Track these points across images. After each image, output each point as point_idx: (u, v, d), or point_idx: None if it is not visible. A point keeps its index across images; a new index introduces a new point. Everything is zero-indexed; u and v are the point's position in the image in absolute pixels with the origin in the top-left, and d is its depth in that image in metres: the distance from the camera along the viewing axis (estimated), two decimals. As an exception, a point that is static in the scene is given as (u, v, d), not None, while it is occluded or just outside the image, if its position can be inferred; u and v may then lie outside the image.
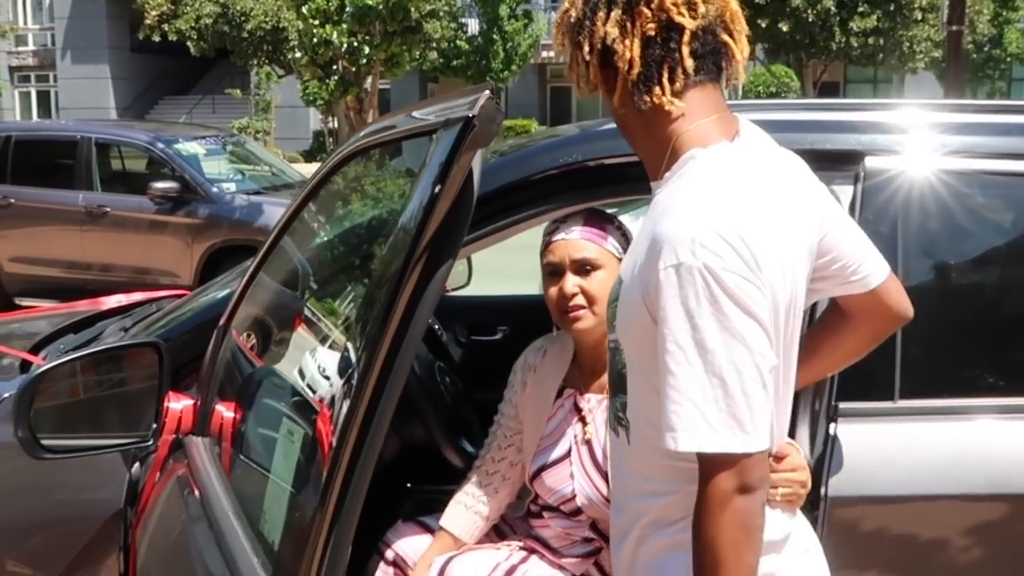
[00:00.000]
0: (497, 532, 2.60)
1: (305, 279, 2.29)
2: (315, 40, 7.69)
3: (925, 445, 2.00)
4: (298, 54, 8.60)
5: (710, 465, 1.45)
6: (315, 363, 1.88)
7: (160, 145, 10.39)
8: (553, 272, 2.34)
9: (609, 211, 2.43)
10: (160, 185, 9.98)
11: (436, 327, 3.66)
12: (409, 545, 2.56)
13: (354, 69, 8.41)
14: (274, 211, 10.03)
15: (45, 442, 1.89)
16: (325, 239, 2.29)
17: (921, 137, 2.16)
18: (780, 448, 1.70)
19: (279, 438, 1.82)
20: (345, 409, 1.42)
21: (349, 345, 1.63)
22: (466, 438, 2.87)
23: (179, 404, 2.06)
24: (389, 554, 2.56)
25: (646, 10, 1.55)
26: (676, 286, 1.44)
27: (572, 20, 1.62)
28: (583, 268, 2.30)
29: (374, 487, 3.07)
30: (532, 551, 2.47)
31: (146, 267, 10.01)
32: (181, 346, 2.15)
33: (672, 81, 1.56)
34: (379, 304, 1.37)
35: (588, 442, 2.38)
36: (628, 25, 1.56)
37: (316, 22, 7.95)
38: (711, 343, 1.43)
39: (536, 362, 2.52)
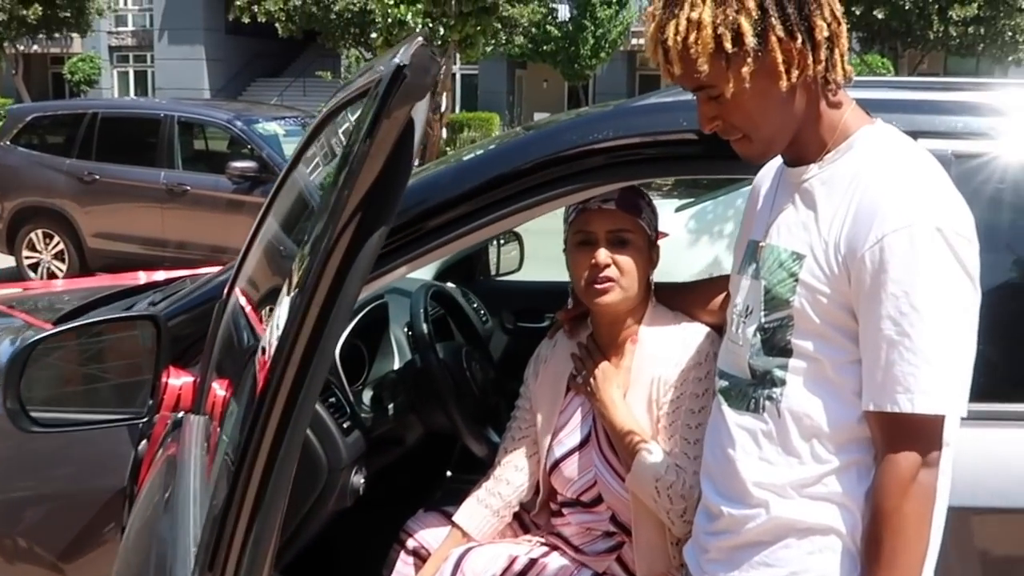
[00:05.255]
0: (521, 526, 2.51)
1: (275, 250, 2.19)
2: (390, 20, 7.63)
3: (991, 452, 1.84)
4: (373, 35, 8.54)
5: (932, 426, 1.52)
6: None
7: (239, 124, 10.46)
8: (585, 242, 2.26)
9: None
10: (238, 164, 10.05)
11: (480, 311, 3.56)
12: (431, 535, 2.48)
13: (429, 50, 8.36)
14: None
15: (35, 414, 1.83)
16: (282, 212, 2.20)
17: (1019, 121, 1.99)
18: None
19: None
20: (265, 392, 1.29)
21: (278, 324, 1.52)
22: (494, 428, 2.77)
23: (179, 380, 1.99)
24: (411, 543, 2.48)
25: None
26: (909, 248, 1.49)
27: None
28: (618, 240, 2.25)
29: (403, 474, 3.02)
30: (553, 547, 2.38)
31: (223, 245, 10.05)
32: (192, 320, 2.07)
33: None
34: (305, 278, 1.25)
35: None
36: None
37: (391, 3, 7.86)
38: (947, 304, 1.50)
39: (547, 352, 2.44)
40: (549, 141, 2.18)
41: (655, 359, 2.25)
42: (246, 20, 25.32)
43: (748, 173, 1.97)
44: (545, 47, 29.13)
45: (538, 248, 4.18)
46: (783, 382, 1.65)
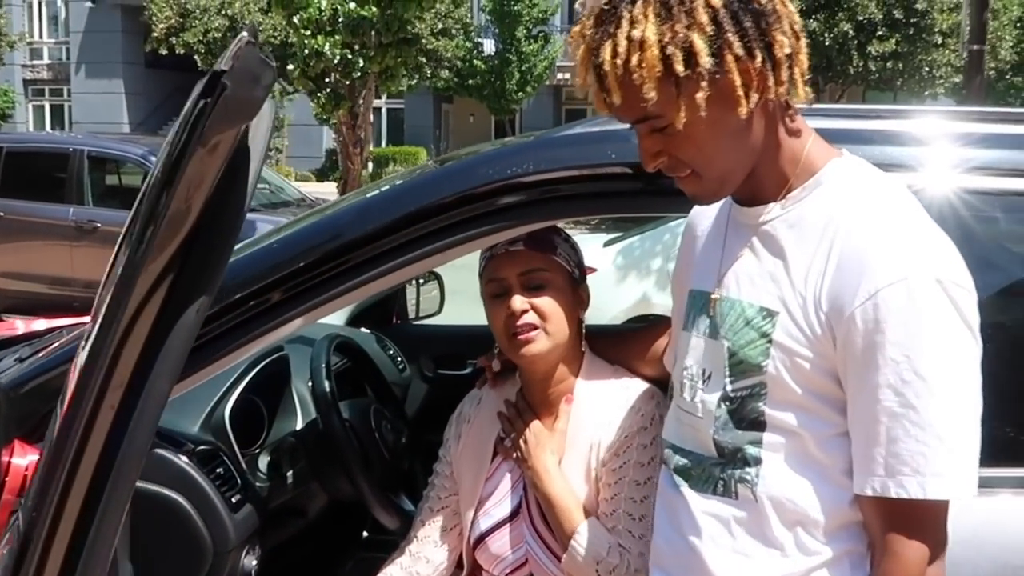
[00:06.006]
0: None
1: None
2: (307, 52, 7.36)
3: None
4: (290, 66, 8.28)
5: (941, 513, 1.34)
6: None
7: (153, 159, 10.10)
8: (498, 292, 2.02)
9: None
10: (151, 200, 9.69)
11: (397, 358, 3.30)
12: (336, 620, 2.19)
13: (347, 83, 8.08)
14: (266, 229, 9.71)
15: None
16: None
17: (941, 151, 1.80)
18: None
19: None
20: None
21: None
22: (408, 495, 2.50)
23: (25, 459, 1.69)
24: (312, 630, 2.19)
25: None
26: (908, 305, 1.30)
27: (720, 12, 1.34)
28: (532, 283, 2.00)
29: (306, 548, 2.73)
30: (476, 632, 2.11)
31: (135, 284, 9.68)
32: (49, 383, 1.78)
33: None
34: (91, 366, 0.95)
35: None
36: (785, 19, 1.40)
37: (308, 33, 7.57)
38: (955, 369, 1.31)
39: (471, 411, 2.17)
40: (464, 176, 1.93)
41: (594, 421, 2.00)
42: (164, 52, 24.85)
43: (686, 211, 1.75)
44: (471, 81, 29.09)
45: (465, 284, 3.93)
46: (758, 461, 1.43)
